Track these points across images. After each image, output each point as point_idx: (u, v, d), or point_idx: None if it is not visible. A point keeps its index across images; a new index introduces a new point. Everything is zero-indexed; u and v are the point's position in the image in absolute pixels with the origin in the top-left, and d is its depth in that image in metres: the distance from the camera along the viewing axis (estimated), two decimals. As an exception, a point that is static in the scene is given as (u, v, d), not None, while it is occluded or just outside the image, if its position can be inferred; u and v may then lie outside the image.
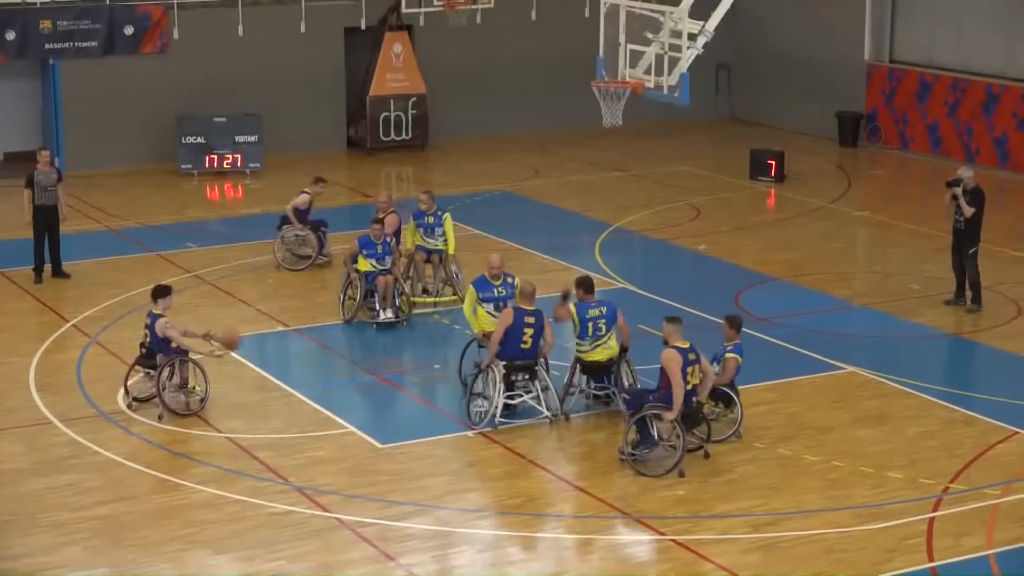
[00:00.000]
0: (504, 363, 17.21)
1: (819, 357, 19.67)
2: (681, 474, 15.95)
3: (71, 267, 23.41)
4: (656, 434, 16.11)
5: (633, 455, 16.15)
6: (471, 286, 18.38)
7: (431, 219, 21.79)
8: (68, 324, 21.10)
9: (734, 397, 16.99)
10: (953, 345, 20.75)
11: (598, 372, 17.51)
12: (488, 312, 18.03)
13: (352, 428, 17.38)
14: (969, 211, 21.39)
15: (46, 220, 22.95)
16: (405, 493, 15.61)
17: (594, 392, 17.67)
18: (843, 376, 19.10)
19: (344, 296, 21.13)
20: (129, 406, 17.87)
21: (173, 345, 17.53)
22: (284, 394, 18.47)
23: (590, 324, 17.21)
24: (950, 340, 20.81)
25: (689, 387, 15.95)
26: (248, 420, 17.68)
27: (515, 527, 15.00)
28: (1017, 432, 17.16)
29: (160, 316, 17.63)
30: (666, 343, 16.12)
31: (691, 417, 16.16)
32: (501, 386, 17.17)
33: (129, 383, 18.03)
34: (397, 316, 20.73)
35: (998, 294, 22.23)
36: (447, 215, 21.89)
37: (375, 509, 15.25)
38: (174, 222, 27.00)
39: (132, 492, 15.64)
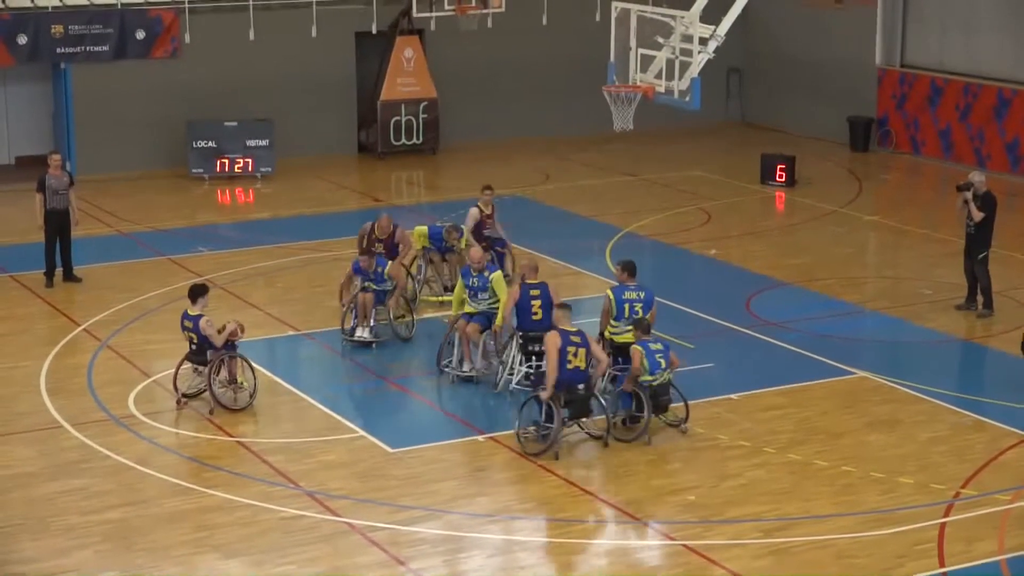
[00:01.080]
0: (520, 334, 18.23)
1: (830, 362, 19.65)
2: (555, 456, 16.39)
3: (82, 271, 23.45)
4: (544, 415, 16.64)
5: (526, 435, 16.77)
6: (461, 273, 19.58)
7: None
8: (79, 328, 21.14)
9: (644, 401, 16.91)
10: (964, 350, 20.72)
11: (626, 353, 17.74)
12: (463, 299, 19.24)
13: (362, 432, 17.39)
14: (979, 216, 21.36)
15: (57, 224, 22.99)
16: (415, 497, 15.62)
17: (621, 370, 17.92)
18: (854, 381, 19.08)
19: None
20: (178, 402, 18.00)
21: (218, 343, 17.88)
22: (294, 398, 18.49)
23: (626, 306, 17.72)
24: (961, 345, 20.77)
25: (571, 367, 16.37)
26: (258, 424, 17.70)
27: (525, 532, 15.00)
28: (1028, 437, 17.16)
29: (201, 316, 17.89)
30: (555, 327, 16.77)
31: (576, 403, 16.53)
32: (519, 356, 18.22)
33: (178, 379, 18.15)
34: (373, 336, 20.12)
35: (1009, 299, 22.18)
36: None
37: (385, 513, 15.26)
38: (185, 226, 27.04)
39: (142, 496, 15.65)
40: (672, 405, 17.22)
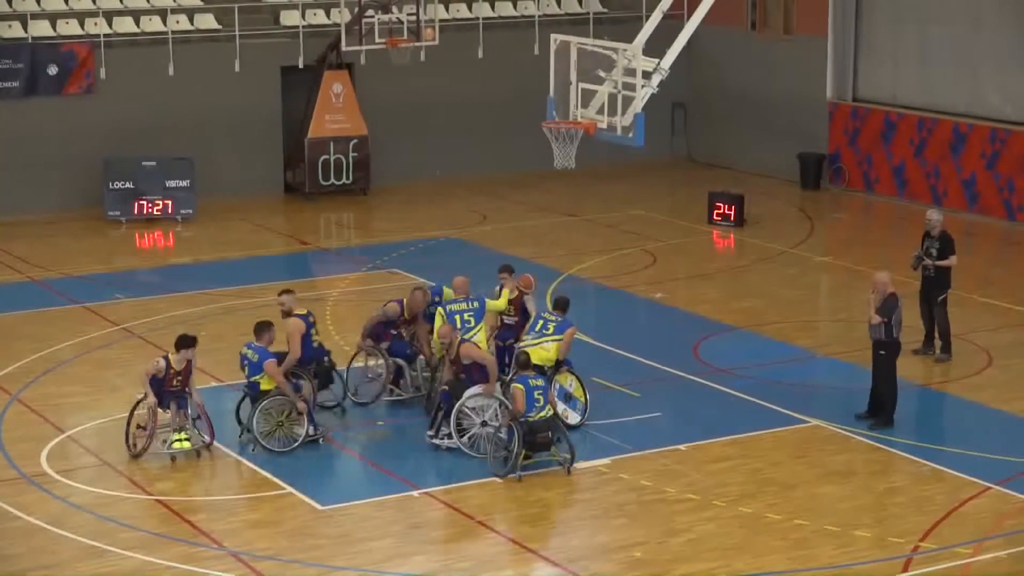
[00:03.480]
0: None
1: (782, 410, 19.76)
2: (319, 434, 18.58)
3: (-9, 320, 23.35)
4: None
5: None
6: (439, 309, 19.53)
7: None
8: (-12, 381, 21.01)
9: (517, 435, 17.42)
10: (922, 396, 20.85)
11: (539, 367, 18.54)
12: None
13: (291, 489, 17.32)
14: (954, 261, 21.53)
15: (-36, 271, 22.86)
16: (347, 557, 15.57)
17: None
18: (807, 430, 19.19)
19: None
20: (132, 449, 18.13)
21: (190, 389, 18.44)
22: (219, 453, 18.40)
23: (540, 322, 19.22)
24: (919, 391, 20.91)
25: (316, 344, 18.95)
26: (179, 481, 17.61)
27: (463, 592, 15.00)
28: (989, 487, 17.27)
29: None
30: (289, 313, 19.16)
31: (322, 374, 19.12)
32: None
33: (135, 428, 18.28)
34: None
35: (968, 342, 22.39)
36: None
37: (315, 575, 15.19)
38: (101, 272, 26.89)
39: (56, 559, 15.51)
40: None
